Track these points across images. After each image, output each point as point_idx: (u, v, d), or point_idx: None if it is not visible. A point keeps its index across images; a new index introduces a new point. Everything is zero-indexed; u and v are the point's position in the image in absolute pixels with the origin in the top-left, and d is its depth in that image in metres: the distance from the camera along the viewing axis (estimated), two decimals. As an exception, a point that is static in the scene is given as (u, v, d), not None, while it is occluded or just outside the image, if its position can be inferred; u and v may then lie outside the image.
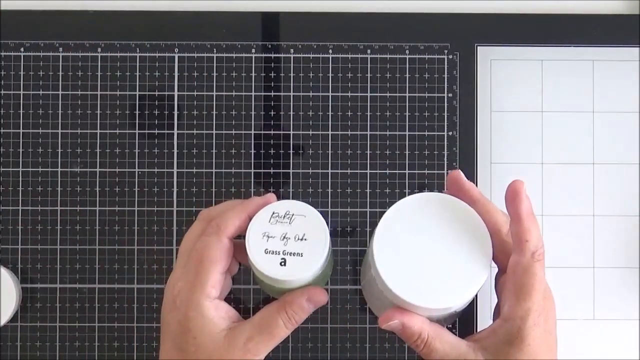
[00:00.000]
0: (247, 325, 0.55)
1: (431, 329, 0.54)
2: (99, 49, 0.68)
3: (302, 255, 0.55)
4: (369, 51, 0.68)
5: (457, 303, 0.53)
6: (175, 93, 0.68)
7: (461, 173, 0.55)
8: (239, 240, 0.57)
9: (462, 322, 0.67)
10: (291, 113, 0.68)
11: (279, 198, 0.56)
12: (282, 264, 0.55)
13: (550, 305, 0.54)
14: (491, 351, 0.53)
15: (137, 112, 0.68)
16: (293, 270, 0.54)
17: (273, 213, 0.55)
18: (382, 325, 0.54)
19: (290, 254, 0.55)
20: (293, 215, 0.55)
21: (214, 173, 0.67)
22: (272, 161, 0.68)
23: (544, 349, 0.53)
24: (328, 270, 0.59)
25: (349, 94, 0.68)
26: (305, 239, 0.55)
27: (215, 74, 0.68)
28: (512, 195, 0.52)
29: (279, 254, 0.55)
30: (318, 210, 0.55)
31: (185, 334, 0.54)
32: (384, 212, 0.55)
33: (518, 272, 0.52)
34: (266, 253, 0.55)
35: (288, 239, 0.55)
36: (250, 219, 0.55)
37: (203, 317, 0.54)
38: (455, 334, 0.57)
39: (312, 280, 0.56)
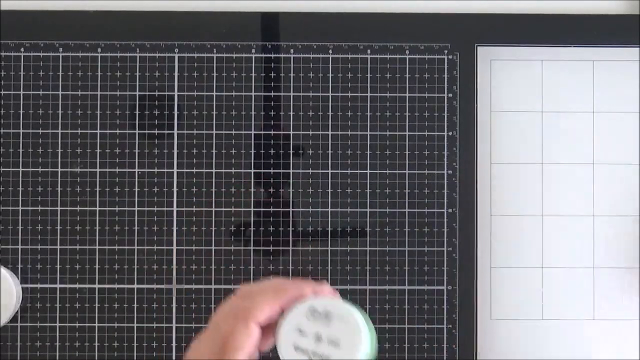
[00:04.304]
0: None
1: None
2: (99, 49, 0.68)
3: None
4: (369, 51, 0.68)
5: None
6: (175, 93, 0.68)
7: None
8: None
9: (463, 322, 0.67)
10: (291, 113, 0.68)
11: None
12: None
13: None
14: None
15: (137, 112, 0.68)
16: None
17: (312, 307, 0.51)
18: None
19: (319, 356, 0.51)
20: (333, 315, 0.51)
21: (214, 173, 0.67)
22: (272, 161, 0.67)
23: None
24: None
25: (349, 94, 0.68)
26: (338, 345, 0.51)
27: (215, 74, 0.68)
28: None
29: (307, 353, 0.51)
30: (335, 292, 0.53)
31: None
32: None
33: None
34: (295, 349, 0.51)
35: (321, 340, 0.51)
36: (282, 310, 0.52)
37: None
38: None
39: None
